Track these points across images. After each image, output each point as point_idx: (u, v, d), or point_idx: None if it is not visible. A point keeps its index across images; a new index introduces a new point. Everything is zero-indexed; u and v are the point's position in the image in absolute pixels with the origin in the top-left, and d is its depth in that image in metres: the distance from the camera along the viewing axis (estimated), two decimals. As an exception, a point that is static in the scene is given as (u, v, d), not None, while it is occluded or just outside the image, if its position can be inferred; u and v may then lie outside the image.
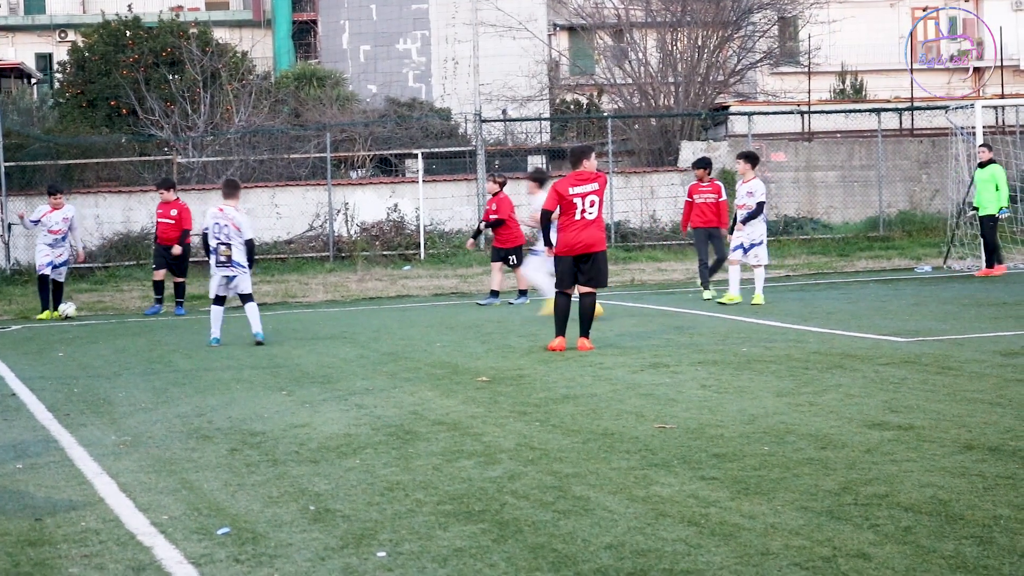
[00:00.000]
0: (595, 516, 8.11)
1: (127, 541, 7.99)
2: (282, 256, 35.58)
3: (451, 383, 14.30)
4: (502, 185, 25.51)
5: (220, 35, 51.47)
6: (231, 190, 19.67)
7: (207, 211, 19.85)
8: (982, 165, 27.98)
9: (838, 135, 42.19)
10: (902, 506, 8.04)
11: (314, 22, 58.18)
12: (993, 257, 27.88)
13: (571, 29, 55.29)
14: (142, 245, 35.06)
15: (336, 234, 36.43)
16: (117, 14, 47.16)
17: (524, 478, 9.27)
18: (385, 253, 35.66)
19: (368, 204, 37.11)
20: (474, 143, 39.28)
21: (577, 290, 17.17)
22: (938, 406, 11.50)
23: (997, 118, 41.73)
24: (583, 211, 16.78)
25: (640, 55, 44.65)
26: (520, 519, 8.11)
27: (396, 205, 37.08)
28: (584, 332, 17.09)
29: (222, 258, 19.33)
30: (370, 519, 8.27)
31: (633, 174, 38.91)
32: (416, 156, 38.19)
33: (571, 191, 16.76)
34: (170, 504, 8.91)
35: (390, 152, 41.42)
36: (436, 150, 40.52)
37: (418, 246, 35.84)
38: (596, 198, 16.80)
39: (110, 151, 38.60)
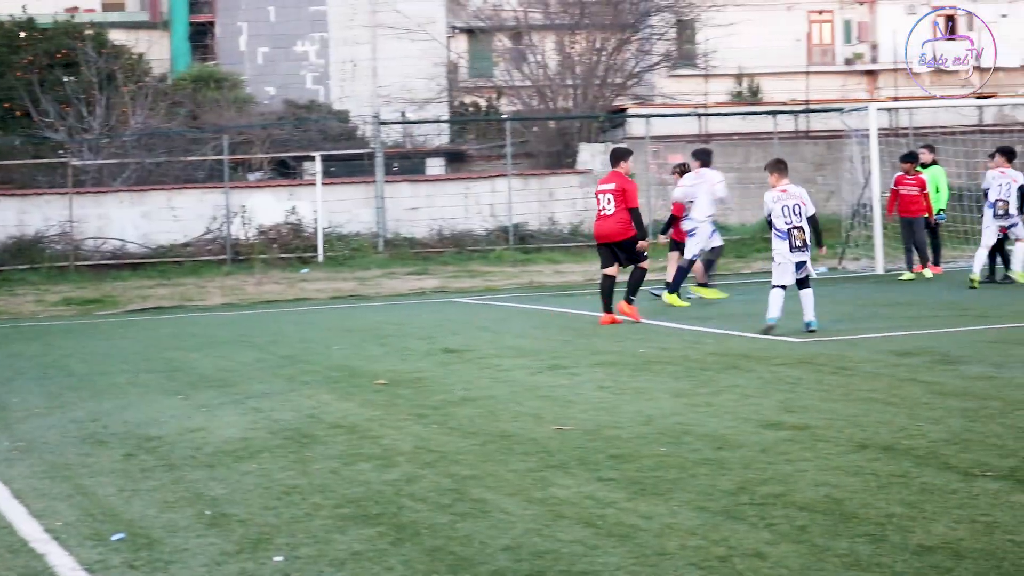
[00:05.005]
0: (493, 518, 8.12)
1: (19, 548, 7.91)
2: (179, 259, 35.16)
3: (349, 386, 14.26)
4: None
5: (116, 36, 50.81)
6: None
7: (767, 194, 17.86)
8: (924, 166, 27.87)
9: (735, 137, 42.48)
10: (797, 505, 8.12)
11: (211, 24, 57.71)
12: (937, 256, 27.69)
13: (470, 31, 55.22)
14: (36, 248, 34.67)
15: (233, 237, 36.16)
16: (11, 15, 46.52)
17: (422, 481, 9.26)
18: (283, 256, 35.38)
19: (266, 207, 36.82)
20: (372, 145, 39.17)
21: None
22: (833, 406, 11.63)
23: (891, 120, 42.19)
24: (602, 207, 19.43)
25: (539, 57, 44.70)
26: (418, 522, 8.11)
27: (294, 208, 36.79)
28: (627, 297, 19.54)
29: (798, 242, 17.51)
30: (267, 523, 8.24)
31: (531, 176, 38.96)
32: (314, 159, 38.02)
33: (599, 187, 19.76)
34: (64, 510, 8.82)
35: (288, 155, 41.16)
36: (334, 152, 40.32)
37: (316, 249, 35.66)
38: (612, 196, 19.24)
39: (4, 153, 38.13)
